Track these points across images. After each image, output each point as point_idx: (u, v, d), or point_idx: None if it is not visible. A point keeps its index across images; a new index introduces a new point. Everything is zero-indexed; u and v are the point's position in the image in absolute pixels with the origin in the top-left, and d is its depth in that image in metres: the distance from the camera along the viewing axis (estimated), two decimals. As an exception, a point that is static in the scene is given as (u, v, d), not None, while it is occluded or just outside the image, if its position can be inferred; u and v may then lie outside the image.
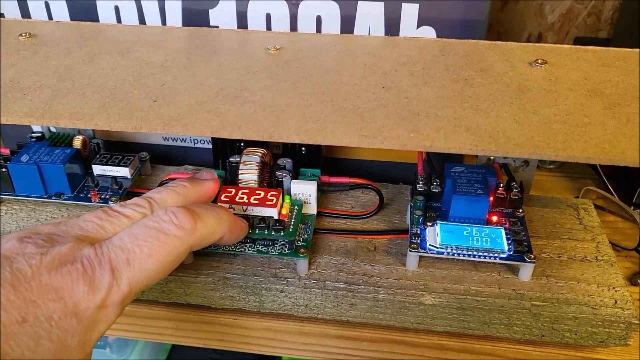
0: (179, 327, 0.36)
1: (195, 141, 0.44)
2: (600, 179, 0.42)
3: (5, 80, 0.32)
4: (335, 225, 0.37)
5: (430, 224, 0.35)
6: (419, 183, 0.37)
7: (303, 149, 0.38)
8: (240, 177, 0.35)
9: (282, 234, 0.33)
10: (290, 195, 0.35)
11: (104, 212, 0.27)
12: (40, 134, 0.41)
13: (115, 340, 0.55)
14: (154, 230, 0.26)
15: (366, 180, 0.37)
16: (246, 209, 0.33)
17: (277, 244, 0.34)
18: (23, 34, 0.37)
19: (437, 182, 0.37)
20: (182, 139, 0.44)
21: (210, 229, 0.28)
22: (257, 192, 0.34)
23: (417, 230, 0.35)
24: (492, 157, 0.39)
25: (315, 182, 0.35)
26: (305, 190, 0.35)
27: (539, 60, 0.34)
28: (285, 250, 0.33)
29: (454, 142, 0.27)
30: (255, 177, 0.35)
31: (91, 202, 0.37)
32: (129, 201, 0.28)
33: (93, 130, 0.42)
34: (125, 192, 0.38)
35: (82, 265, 0.23)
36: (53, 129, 0.42)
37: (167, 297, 0.34)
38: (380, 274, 0.34)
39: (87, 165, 0.40)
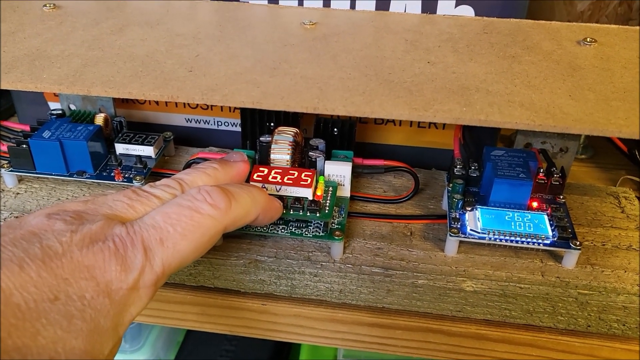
0: (204, 313, 0.35)
1: (219, 123, 0.43)
2: (639, 167, 0.41)
3: (32, 48, 0.30)
4: (368, 210, 0.36)
5: (469, 209, 0.33)
6: (456, 167, 0.35)
7: (335, 130, 0.36)
8: (272, 156, 0.34)
9: (317, 215, 0.31)
10: (324, 176, 0.34)
11: (134, 192, 0.25)
12: (60, 112, 0.39)
13: (129, 329, 0.54)
14: (187, 209, 0.24)
15: (402, 163, 0.36)
16: (279, 189, 0.32)
17: (311, 225, 0.32)
18: (47, 5, 0.35)
19: (475, 166, 0.35)
20: (206, 120, 0.43)
21: (245, 209, 0.27)
22: (290, 172, 0.33)
23: (456, 214, 0.33)
24: (526, 143, 0.38)
25: (350, 164, 0.34)
26: (339, 171, 0.34)
27: (588, 39, 0.32)
28: (319, 233, 0.32)
29: (510, 116, 0.26)
30: (287, 157, 0.33)
31: (114, 181, 0.36)
32: (158, 182, 0.27)
33: (115, 108, 0.40)
34: (150, 172, 0.37)
35: (113, 244, 0.22)
36: (73, 107, 0.41)
37: (195, 280, 0.33)
38: (418, 260, 0.32)
39: (109, 144, 0.38)
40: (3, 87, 0.27)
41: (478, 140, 0.40)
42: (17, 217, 0.34)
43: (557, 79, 0.29)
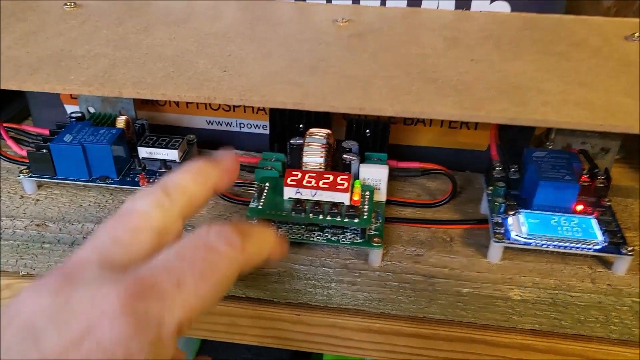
0: (234, 323, 0.33)
1: (242, 125, 0.41)
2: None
3: (55, 49, 0.29)
4: (405, 214, 0.34)
5: (512, 213, 0.32)
6: (495, 169, 0.34)
7: (367, 131, 0.35)
8: (304, 159, 0.32)
9: (355, 221, 0.30)
10: (359, 179, 0.32)
11: (117, 225, 0.22)
12: (79, 114, 0.38)
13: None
14: (202, 249, 0.21)
15: (439, 166, 0.34)
16: (315, 193, 0.31)
17: (347, 232, 0.31)
18: (68, 4, 0.34)
19: (515, 168, 0.34)
20: (228, 122, 0.42)
21: (258, 246, 0.24)
22: (325, 175, 0.31)
23: (498, 219, 0.32)
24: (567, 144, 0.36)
25: (387, 166, 0.32)
26: (376, 174, 0.32)
27: (636, 35, 0.31)
28: (357, 240, 0.30)
29: (567, 116, 0.24)
30: (321, 160, 0.32)
31: (139, 186, 0.34)
32: (137, 195, 0.23)
33: (135, 110, 0.39)
34: (175, 176, 0.35)
35: (122, 304, 0.18)
36: (92, 109, 0.39)
37: (226, 289, 0.31)
38: (461, 267, 0.31)
39: (131, 148, 0.37)
40: (29, 89, 0.25)
41: (512, 140, 0.38)
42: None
43: (609, 76, 0.27)
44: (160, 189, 0.23)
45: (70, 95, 0.40)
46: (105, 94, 0.26)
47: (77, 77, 0.26)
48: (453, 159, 0.40)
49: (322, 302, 0.31)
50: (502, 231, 0.31)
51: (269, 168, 0.33)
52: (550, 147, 0.36)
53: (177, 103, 0.41)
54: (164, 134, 0.37)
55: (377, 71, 0.27)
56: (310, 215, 0.30)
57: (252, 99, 0.25)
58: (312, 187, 0.30)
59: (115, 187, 0.35)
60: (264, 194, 0.31)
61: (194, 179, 0.24)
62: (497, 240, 0.30)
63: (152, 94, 0.25)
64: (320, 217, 0.30)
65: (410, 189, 0.36)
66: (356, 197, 0.31)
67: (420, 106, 0.24)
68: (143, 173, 0.35)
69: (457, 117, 0.24)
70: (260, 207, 0.31)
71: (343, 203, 0.30)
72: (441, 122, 0.40)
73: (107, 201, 0.35)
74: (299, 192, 0.31)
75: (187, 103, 0.41)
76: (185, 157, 0.37)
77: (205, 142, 0.42)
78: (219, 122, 0.42)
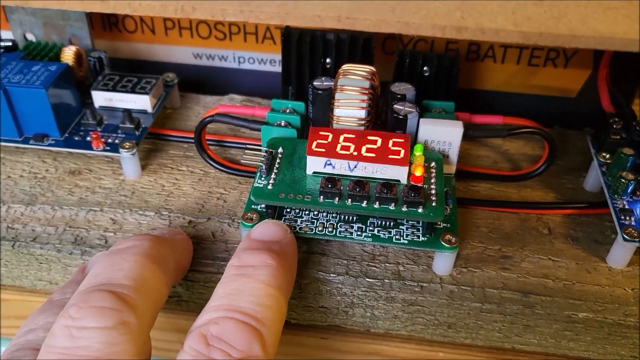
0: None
1: (242, 60, 0.30)
2: None
3: None
4: (477, 191, 0.24)
5: (643, 194, 0.21)
6: (614, 127, 0.23)
7: (425, 69, 0.24)
8: (337, 112, 0.21)
9: (420, 211, 0.19)
10: (420, 144, 0.21)
11: None
12: (9, 44, 0.27)
13: None
14: None
15: (531, 122, 0.23)
16: (354, 166, 0.20)
17: (403, 225, 0.20)
18: None
19: (641, 126, 0.23)
20: (222, 56, 0.30)
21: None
22: (370, 138, 0.20)
23: (623, 204, 0.21)
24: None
25: (461, 124, 0.21)
26: (445, 135, 0.21)
27: None
28: (419, 238, 0.20)
29: None
30: (363, 113, 0.21)
31: (92, 149, 0.23)
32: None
33: (92, 39, 0.28)
34: (146, 133, 0.24)
35: None
36: (31, 37, 0.28)
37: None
38: (570, 276, 0.21)
39: (84, 93, 0.26)
40: None
41: (630, 85, 0.27)
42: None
43: None
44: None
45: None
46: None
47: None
48: (532, 109, 0.30)
49: (363, 326, 0.21)
50: (633, 223, 0.21)
51: (282, 124, 0.22)
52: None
53: (151, 28, 0.30)
54: (132, 73, 0.26)
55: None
56: (348, 201, 0.19)
57: (258, 10, 0.14)
58: (350, 157, 0.20)
59: (59, 150, 0.24)
60: (276, 165, 0.21)
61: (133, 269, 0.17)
62: (629, 239, 0.20)
63: (60, 2, 0.14)
64: (364, 203, 0.19)
65: (482, 152, 0.26)
66: (418, 172, 0.20)
67: (568, 23, 0.13)
68: (98, 130, 0.24)
69: None
70: (270, 186, 0.20)
71: (399, 181, 0.20)
72: (518, 57, 0.29)
73: (47, 171, 0.24)
74: (329, 164, 0.20)
75: (165, 28, 0.30)
76: (161, 106, 0.26)
77: (190, 84, 0.31)
78: (210, 55, 0.31)
